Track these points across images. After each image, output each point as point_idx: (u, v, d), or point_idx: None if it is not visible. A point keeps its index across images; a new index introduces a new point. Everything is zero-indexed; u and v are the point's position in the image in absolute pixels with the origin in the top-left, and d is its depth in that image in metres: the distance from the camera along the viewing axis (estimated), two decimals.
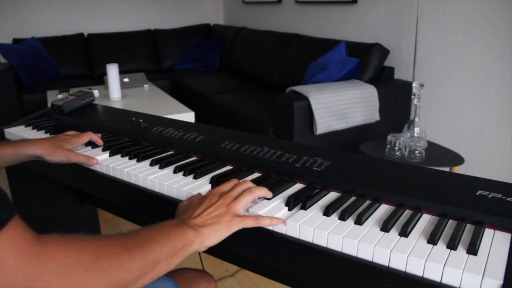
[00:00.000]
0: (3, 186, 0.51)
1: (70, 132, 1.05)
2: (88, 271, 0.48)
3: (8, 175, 1.38)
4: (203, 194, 0.73)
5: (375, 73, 2.60)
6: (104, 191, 0.99)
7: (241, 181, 0.74)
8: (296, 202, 0.73)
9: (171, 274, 0.88)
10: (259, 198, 0.74)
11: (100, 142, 1.05)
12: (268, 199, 0.74)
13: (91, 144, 1.05)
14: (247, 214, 0.71)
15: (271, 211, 0.70)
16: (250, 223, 0.67)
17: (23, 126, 1.26)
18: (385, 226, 0.64)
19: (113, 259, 0.51)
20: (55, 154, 0.95)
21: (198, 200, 0.70)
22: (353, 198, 0.75)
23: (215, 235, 0.64)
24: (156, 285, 0.83)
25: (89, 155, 0.97)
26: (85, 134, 1.04)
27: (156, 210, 0.85)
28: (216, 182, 0.81)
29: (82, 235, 0.51)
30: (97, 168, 0.95)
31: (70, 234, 0.50)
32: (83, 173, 0.97)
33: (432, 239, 0.60)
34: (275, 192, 0.76)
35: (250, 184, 0.74)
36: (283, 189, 0.78)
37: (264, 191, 0.73)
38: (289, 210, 0.71)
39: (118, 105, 2.49)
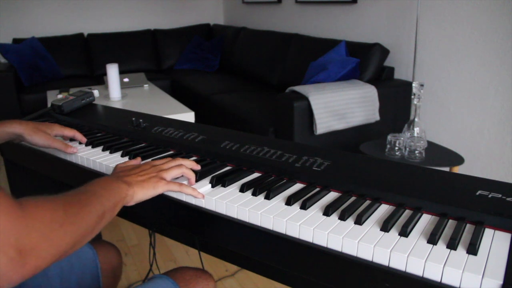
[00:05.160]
0: (3, 185, 0.54)
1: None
2: (61, 226, 0.55)
3: (8, 174, 1.38)
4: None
5: (375, 73, 2.60)
6: None
7: (175, 158, 0.85)
8: (296, 201, 0.73)
9: (171, 273, 0.88)
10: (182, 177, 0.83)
11: (84, 140, 1.07)
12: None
13: (91, 144, 1.05)
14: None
15: (272, 210, 0.70)
16: (174, 188, 0.77)
17: None
18: (385, 226, 0.64)
19: (77, 214, 0.59)
20: (35, 135, 0.98)
21: (133, 165, 0.81)
22: (353, 198, 0.75)
23: (143, 192, 0.74)
24: (155, 284, 0.83)
25: (68, 143, 1.02)
26: (70, 129, 1.06)
27: (157, 210, 0.85)
28: (216, 182, 0.81)
29: (48, 195, 0.58)
30: (97, 168, 0.95)
31: (39, 196, 0.56)
32: (84, 173, 0.97)
33: (432, 239, 0.60)
34: (203, 176, 0.84)
35: (182, 162, 0.83)
36: (282, 189, 0.78)
37: (191, 174, 0.82)
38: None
39: (118, 105, 2.49)
